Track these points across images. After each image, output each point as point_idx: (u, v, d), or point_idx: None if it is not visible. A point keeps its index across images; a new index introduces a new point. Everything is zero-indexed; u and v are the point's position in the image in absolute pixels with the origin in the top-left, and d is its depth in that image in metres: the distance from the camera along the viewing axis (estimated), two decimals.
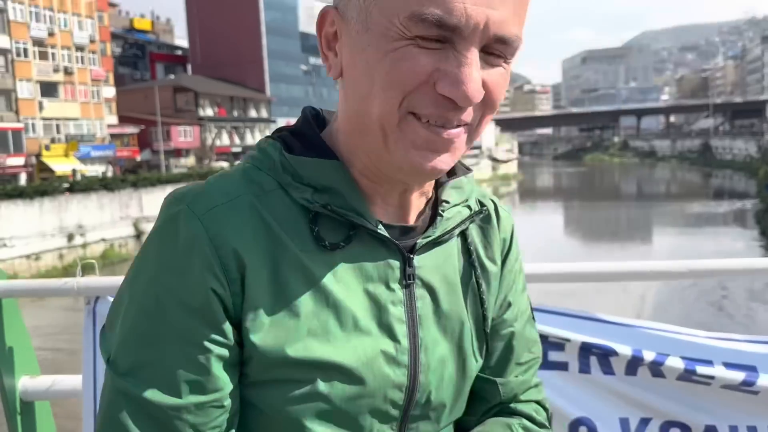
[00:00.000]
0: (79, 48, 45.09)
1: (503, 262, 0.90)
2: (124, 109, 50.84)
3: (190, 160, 51.65)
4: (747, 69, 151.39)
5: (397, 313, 0.77)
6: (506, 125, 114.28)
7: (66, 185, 31.78)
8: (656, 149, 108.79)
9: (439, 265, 0.81)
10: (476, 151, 68.88)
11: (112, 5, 64.29)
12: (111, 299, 1.61)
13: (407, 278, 0.78)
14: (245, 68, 63.11)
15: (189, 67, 68.06)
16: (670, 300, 18.94)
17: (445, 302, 0.81)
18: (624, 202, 55.44)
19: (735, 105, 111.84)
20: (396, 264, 0.77)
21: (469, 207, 0.84)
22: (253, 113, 62.51)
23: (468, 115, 0.70)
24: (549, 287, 1.63)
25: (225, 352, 0.71)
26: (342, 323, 0.73)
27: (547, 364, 1.51)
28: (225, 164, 50.15)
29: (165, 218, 0.73)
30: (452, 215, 0.82)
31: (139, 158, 49.15)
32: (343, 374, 0.73)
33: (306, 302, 0.72)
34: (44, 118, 42.19)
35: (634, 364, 1.51)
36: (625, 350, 1.50)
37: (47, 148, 41.08)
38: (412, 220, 0.80)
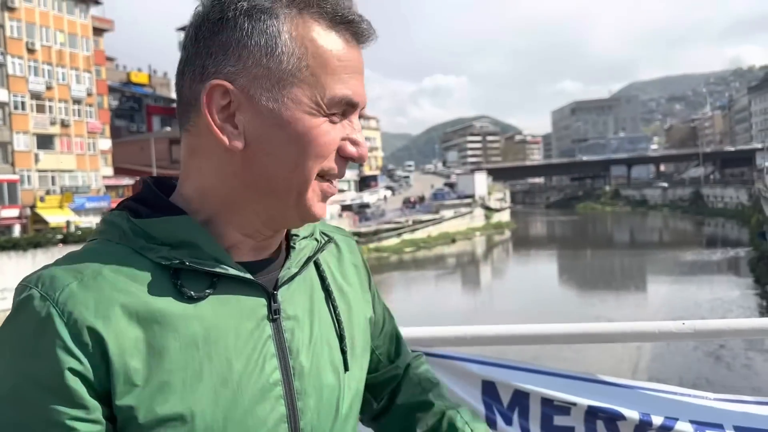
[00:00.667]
0: (76, 101, 45.67)
1: (369, 284, 1.04)
2: (120, 160, 51.20)
3: None
4: (735, 119, 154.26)
5: (267, 348, 0.81)
6: (498, 174, 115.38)
7: (60, 237, 31.68)
8: (648, 198, 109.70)
9: (300, 295, 0.87)
10: (469, 200, 69.19)
11: (110, 59, 65.41)
12: None
13: (273, 313, 0.82)
14: None
15: None
16: (667, 350, 18.80)
17: (311, 329, 0.87)
18: (617, 250, 55.49)
19: (724, 154, 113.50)
20: (261, 302, 0.82)
21: (316, 239, 0.92)
22: None
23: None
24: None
25: (92, 428, 0.70)
26: (216, 369, 0.76)
27: (552, 429, 1.49)
28: None
29: (17, 305, 0.73)
30: (303, 246, 0.90)
31: None
32: (224, 418, 0.75)
33: (177, 356, 0.74)
34: (40, 170, 42.40)
35: (642, 428, 1.47)
36: (632, 414, 1.47)
37: (42, 199, 41.16)
38: (268, 254, 0.87)
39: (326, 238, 0.94)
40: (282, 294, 0.84)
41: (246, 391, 0.78)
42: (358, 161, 0.83)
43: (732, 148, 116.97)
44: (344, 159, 0.82)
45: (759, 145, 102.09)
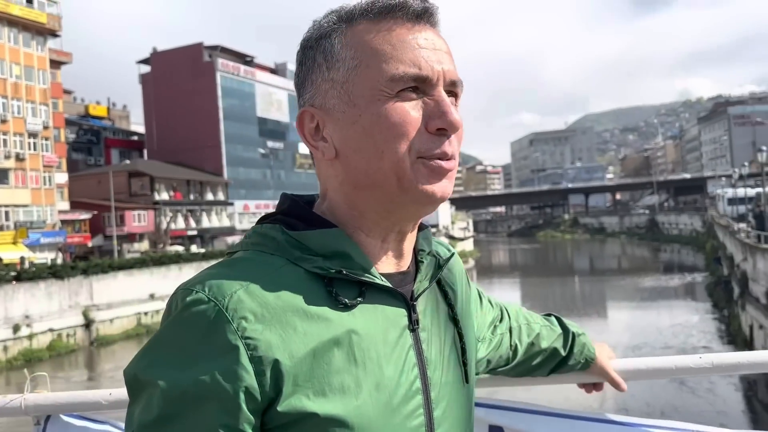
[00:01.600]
0: (32, 134, 44.62)
1: (470, 291, 1.10)
2: (77, 194, 50.00)
3: (144, 245, 50.63)
4: (686, 148, 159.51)
5: (410, 357, 0.85)
6: (461, 204, 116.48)
7: (13, 273, 30.62)
8: (605, 225, 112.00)
9: (430, 308, 0.92)
10: (434, 230, 69.37)
11: (68, 92, 64.33)
12: (65, 418, 1.42)
13: (413, 323, 0.86)
14: (202, 153, 63.29)
15: (145, 153, 67.90)
16: None
17: (441, 341, 0.91)
18: (579, 277, 56.35)
19: (677, 182, 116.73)
20: (403, 312, 0.86)
21: (434, 255, 0.96)
22: (210, 196, 62.20)
23: (455, 148, 0.85)
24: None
25: None
26: (371, 374, 0.80)
27: None
28: (180, 248, 49.33)
29: (185, 306, 0.75)
30: (430, 261, 0.94)
31: (90, 244, 47.95)
32: (380, 423, 0.79)
33: (338, 360, 0.78)
34: None
35: None
36: None
37: None
38: (406, 266, 0.91)
39: (449, 254, 1.00)
40: (419, 306, 0.89)
41: (396, 397, 0.81)
42: (450, 129, 0.82)
43: (686, 176, 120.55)
44: (437, 135, 0.83)
45: (710, 173, 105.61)
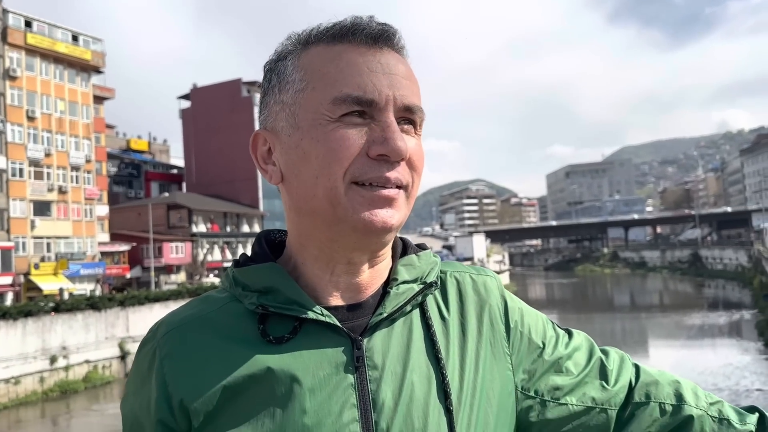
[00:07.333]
0: (75, 168, 45.72)
1: (507, 325, 0.90)
2: (117, 226, 50.86)
3: (180, 276, 51.03)
4: (728, 180, 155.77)
5: (347, 397, 0.78)
6: (496, 237, 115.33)
7: (52, 305, 30.97)
8: (646, 259, 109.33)
9: (397, 344, 0.82)
10: (468, 263, 68.68)
11: (110, 127, 66.08)
12: None
13: (356, 361, 0.79)
14: (239, 185, 64.05)
15: (184, 185, 69.03)
16: None
17: (403, 382, 0.80)
18: (619, 313, 54.70)
19: (720, 215, 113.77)
20: (344, 348, 0.80)
21: (425, 282, 0.86)
22: (246, 228, 62.71)
23: (402, 176, 0.79)
24: None
25: None
26: (288, 411, 0.76)
27: None
28: (216, 279, 49.53)
29: (141, 343, 0.85)
30: (403, 291, 0.84)
31: (129, 275, 48.52)
32: None
33: (250, 397, 0.77)
34: (35, 237, 41.95)
35: None
36: None
37: (36, 266, 40.53)
38: (363, 299, 0.84)
39: (438, 280, 0.89)
40: (370, 342, 0.81)
41: None
42: (391, 156, 0.78)
43: (728, 209, 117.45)
44: (377, 161, 0.78)
45: (754, 207, 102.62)
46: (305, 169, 0.80)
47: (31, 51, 42.88)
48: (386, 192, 0.78)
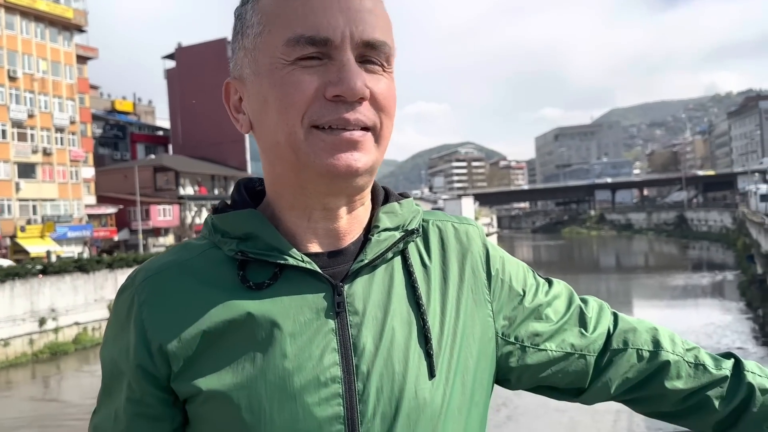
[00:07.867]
0: (59, 129, 45.09)
1: (488, 273, 0.89)
2: (103, 189, 50.48)
3: (168, 239, 50.97)
4: (715, 143, 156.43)
5: (328, 342, 0.78)
6: (484, 200, 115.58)
7: (39, 267, 30.88)
8: (633, 222, 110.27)
9: (378, 290, 0.82)
10: None
11: (94, 87, 64.97)
12: None
13: (337, 306, 0.79)
14: (226, 147, 63.48)
15: (170, 147, 68.35)
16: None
17: (384, 327, 0.80)
18: (604, 274, 55.42)
19: (706, 178, 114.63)
20: (324, 294, 0.79)
21: (406, 230, 0.85)
22: None
23: (366, 117, 0.76)
24: None
25: (161, 409, 0.80)
26: (269, 355, 0.76)
27: None
28: None
29: (119, 290, 0.84)
30: (385, 238, 0.83)
31: (116, 238, 48.39)
32: (271, 400, 0.76)
33: (230, 342, 0.77)
34: (21, 199, 41.61)
35: None
36: None
37: (23, 229, 40.29)
38: (343, 245, 0.83)
39: (418, 229, 0.87)
40: (350, 288, 0.81)
41: (298, 380, 0.76)
42: (347, 96, 0.74)
43: (714, 173, 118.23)
44: (335, 102, 0.75)
45: (740, 169, 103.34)
46: (267, 116, 0.78)
47: (11, 9, 41.80)
48: (348, 135, 0.76)
